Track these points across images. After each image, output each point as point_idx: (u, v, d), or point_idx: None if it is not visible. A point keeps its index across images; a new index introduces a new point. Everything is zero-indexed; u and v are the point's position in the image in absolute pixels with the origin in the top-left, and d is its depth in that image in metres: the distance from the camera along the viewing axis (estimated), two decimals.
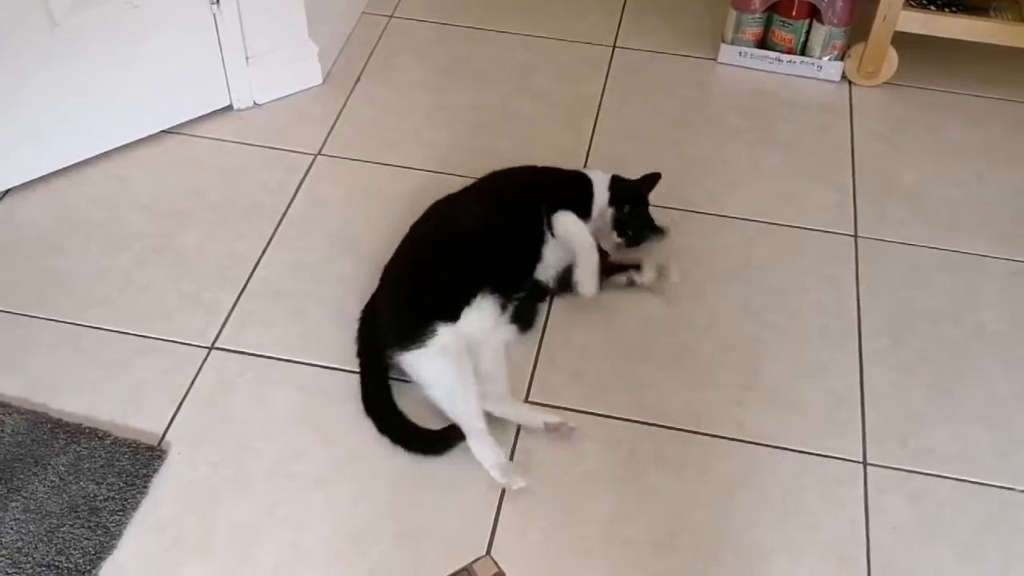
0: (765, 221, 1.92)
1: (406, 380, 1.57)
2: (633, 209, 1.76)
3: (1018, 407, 1.62)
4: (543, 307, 1.73)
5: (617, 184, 1.78)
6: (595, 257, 1.67)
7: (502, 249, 1.67)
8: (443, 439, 1.51)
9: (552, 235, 1.69)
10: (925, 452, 1.55)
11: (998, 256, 1.87)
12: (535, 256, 1.69)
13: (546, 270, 1.71)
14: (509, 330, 1.65)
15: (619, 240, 1.75)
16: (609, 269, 1.73)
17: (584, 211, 1.74)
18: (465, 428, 1.49)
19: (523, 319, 1.68)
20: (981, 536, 1.45)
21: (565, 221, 1.69)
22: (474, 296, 1.58)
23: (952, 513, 1.48)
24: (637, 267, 1.74)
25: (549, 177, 1.80)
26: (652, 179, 1.79)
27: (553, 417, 1.53)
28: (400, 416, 1.53)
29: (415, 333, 1.53)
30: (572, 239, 1.68)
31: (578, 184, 1.78)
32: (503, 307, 1.63)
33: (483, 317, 1.59)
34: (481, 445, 1.48)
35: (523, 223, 1.70)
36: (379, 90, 2.19)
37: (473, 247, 1.65)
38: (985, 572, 1.41)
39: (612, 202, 1.75)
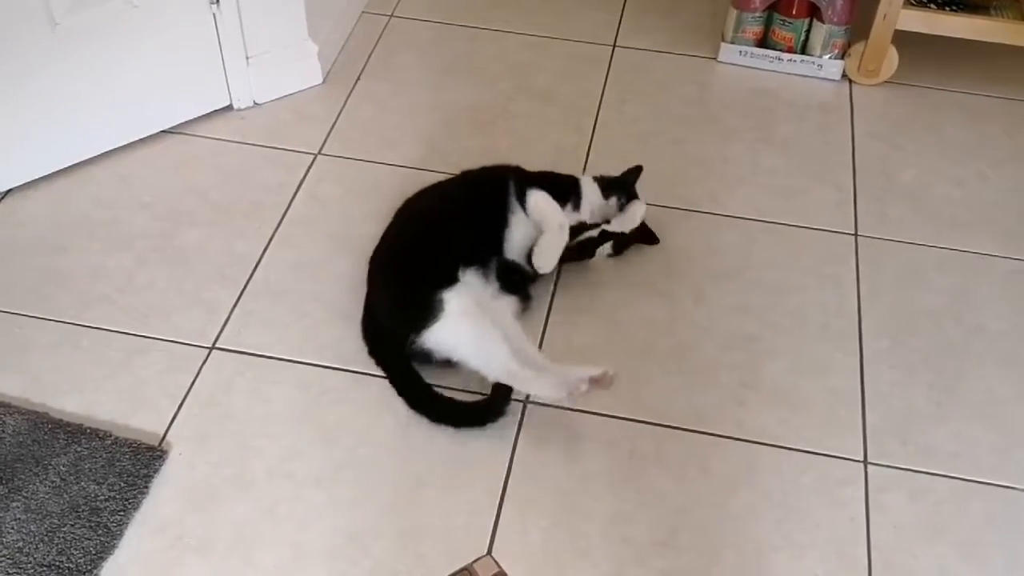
0: (765, 220, 1.92)
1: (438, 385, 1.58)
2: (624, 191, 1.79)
3: (1018, 406, 1.62)
4: (538, 299, 1.72)
5: (604, 180, 1.80)
6: (563, 238, 1.67)
7: (470, 217, 1.68)
8: (498, 398, 1.51)
9: (524, 211, 1.69)
10: (926, 451, 1.55)
11: (999, 255, 1.87)
12: (502, 221, 1.69)
13: (516, 249, 1.70)
14: (511, 301, 1.65)
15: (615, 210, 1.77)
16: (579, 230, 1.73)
17: (559, 197, 1.73)
18: (510, 378, 1.50)
19: (520, 292, 1.68)
20: (982, 535, 1.45)
21: (538, 198, 1.70)
22: (460, 262, 1.60)
23: (953, 512, 1.47)
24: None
25: (518, 167, 1.82)
26: (635, 171, 1.83)
27: (594, 369, 1.54)
28: (449, 401, 1.54)
29: (427, 310, 1.54)
30: (544, 216, 1.68)
31: (559, 176, 1.79)
32: (485, 276, 1.63)
33: (477, 279, 1.61)
34: (533, 384, 1.50)
35: (486, 193, 1.72)
36: (379, 89, 2.19)
37: (445, 220, 1.68)
38: (986, 571, 1.41)
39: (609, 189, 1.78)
